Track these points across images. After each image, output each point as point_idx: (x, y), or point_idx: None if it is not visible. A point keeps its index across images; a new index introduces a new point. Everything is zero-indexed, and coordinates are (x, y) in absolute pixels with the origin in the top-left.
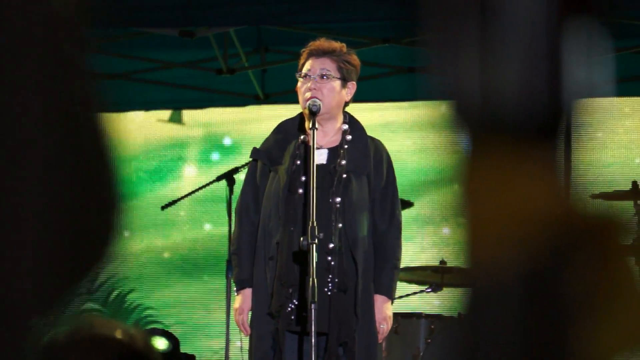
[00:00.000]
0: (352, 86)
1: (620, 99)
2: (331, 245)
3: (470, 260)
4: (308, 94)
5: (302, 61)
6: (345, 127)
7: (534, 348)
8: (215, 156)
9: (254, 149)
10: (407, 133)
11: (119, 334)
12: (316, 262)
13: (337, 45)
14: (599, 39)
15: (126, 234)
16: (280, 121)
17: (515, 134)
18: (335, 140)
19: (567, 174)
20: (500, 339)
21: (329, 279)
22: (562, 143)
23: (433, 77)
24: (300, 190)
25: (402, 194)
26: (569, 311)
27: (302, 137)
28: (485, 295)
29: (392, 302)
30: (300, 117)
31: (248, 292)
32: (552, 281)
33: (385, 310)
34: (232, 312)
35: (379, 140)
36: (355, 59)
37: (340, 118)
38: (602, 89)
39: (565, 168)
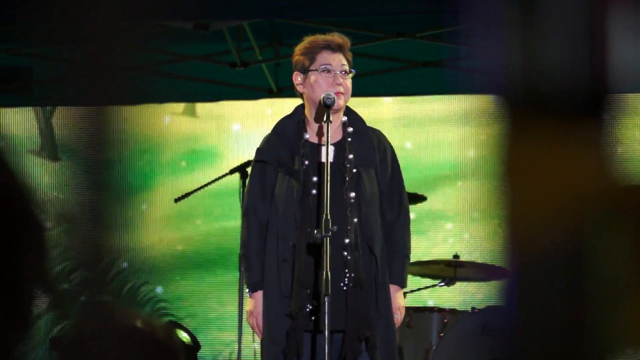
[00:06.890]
0: None
1: None
2: (347, 241)
3: (514, 240)
4: (332, 89)
5: (311, 55)
6: (344, 119)
7: (577, 325)
8: (228, 149)
9: (259, 149)
10: (421, 127)
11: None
12: (332, 257)
13: (346, 39)
14: None
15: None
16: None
17: (558, 111)
18: (337, 134)
19: (609, 151)
20: (545, 318)
21: (345, 274)
22: (605, 120)
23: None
24: (314, 191)
25: (415, 188)
26: (611, 288)
27: (306, 135)
28: (531, 274)
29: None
30: (299, 115)
31: (260, 294)
32: (596, 257)
33: (399, 299)
34: (244, 313)
35: (379, 131)
36: None
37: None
38: None
39: (608, 145)
